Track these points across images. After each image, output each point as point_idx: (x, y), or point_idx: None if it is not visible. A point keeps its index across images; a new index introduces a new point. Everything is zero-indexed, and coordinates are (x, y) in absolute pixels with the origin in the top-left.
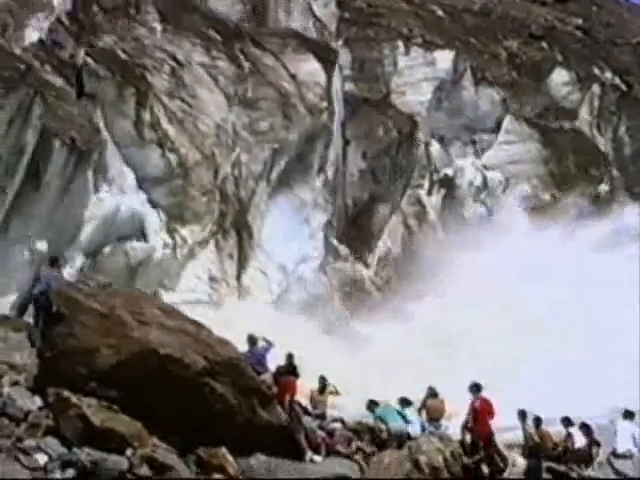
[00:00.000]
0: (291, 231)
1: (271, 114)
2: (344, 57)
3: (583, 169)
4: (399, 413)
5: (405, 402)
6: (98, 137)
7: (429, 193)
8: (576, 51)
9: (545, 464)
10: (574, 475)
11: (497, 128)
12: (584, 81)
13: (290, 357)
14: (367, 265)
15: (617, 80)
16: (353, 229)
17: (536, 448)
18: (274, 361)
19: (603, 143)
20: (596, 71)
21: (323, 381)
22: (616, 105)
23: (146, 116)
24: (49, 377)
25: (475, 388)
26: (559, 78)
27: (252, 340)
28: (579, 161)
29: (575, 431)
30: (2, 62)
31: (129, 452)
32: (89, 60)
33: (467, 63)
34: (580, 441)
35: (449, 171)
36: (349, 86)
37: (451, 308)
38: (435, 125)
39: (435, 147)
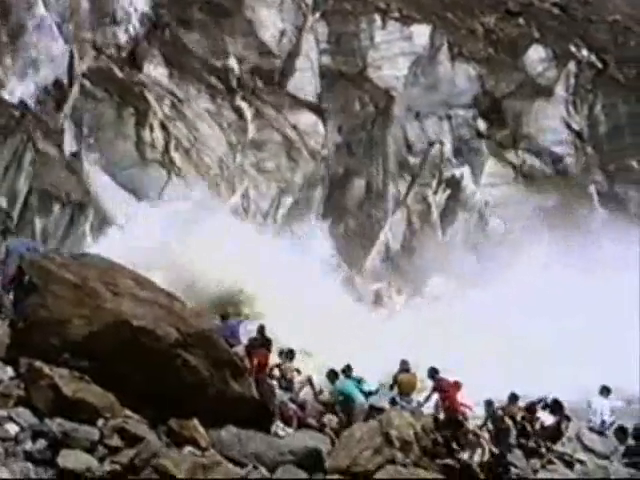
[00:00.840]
0: None
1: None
2: (321, 30)
3: None
4: (357, 386)
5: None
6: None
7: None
8: (553, 28)
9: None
10: (542, 450)
11: (473, 104)
12: (560, 58)
13: (262, 329)
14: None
15: (593, 58)
16: (327, 204)
17: (503, 433)
18: (246, 335)
19: (578, 121)
20: (572, 48)
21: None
22: (592, 83)
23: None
24: (21, 347)
25: (434, 372)
26: (535, 55)
27: (223, 316)
28: None
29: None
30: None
31: (100, 423)
32: (85, 82)
33: (444, 38)
34: (548, 419)
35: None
36: (325, 59)
37: None
38: (411, 100)
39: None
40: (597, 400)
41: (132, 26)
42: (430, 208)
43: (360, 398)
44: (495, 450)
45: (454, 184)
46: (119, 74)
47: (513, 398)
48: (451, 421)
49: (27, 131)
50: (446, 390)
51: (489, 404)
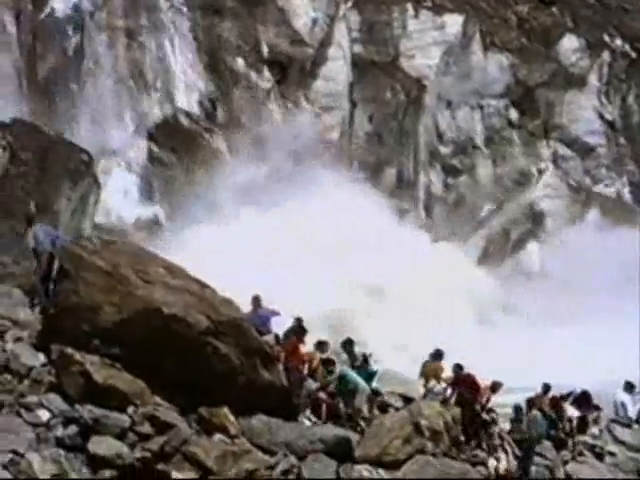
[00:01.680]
0: None
1: None
2: (353, 19)
3: None
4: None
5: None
6: None
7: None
8: (586, 17)
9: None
10: (570, 442)
11: (505, 94)
12: (594, 48)
13: (299, 321)
14: None
15: (627, 47)
16: None
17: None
18: (280, 328)
19: (610, 111)
20: (606, 38)
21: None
22: (625, 73)
23: None
24: (52, 334)
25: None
26: (569, 44)
27: (256, 301)
28: None
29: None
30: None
31: (131, 410)
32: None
33: (476, 27)
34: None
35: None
36: (357, 48)
37: None
38: (443, 89)
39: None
40: (621, 395)
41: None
42: None
43: (362, 384)
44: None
45: None
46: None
47: (546, 389)
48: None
49: (94, 175)
50: (464, 386)
51: (517, 409)
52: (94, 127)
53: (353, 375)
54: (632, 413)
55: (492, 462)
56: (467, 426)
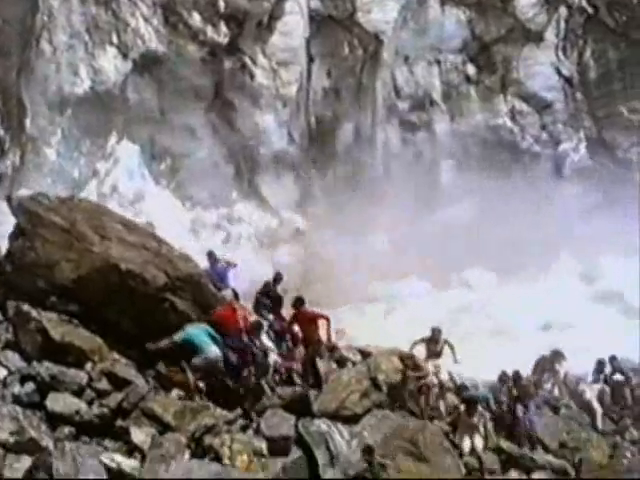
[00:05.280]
0: None
1: None
2: None
3: None
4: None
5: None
6: None
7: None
8: None
9: None
10: None
11: (462, 49)
12: (551, 3)
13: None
14: None
15: (584, 3)
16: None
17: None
18: (236, 280)
19: (567, 67)
20: None
21: None
22: (582, 28)
23: None
24: (9, 291)
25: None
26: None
27: (212, 256)
28: None
29: None
30: None
31: (88, 366)
32: None
33: None
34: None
35: None
36: (314, 3)
37: None
38: (400, 45)
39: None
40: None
41: None
42: None
43: (209, 348)
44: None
45: None
46: None
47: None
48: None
49: None
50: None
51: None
52: (48, 82)
53: (200, 338)
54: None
55: (466, 442)
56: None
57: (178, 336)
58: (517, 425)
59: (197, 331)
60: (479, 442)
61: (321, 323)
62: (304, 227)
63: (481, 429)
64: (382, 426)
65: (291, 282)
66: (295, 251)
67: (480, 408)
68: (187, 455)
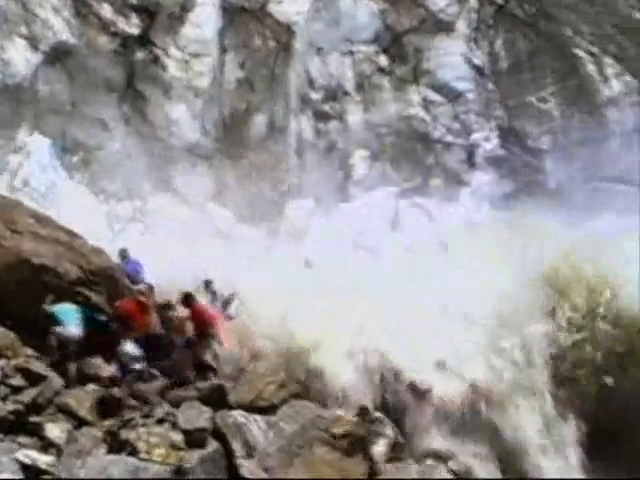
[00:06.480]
0: None
1: None
2: None
3: None
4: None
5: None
6: None
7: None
8: None
9: None
10: None
11: (375, 40)
12: None
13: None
14: None
15: None
16: (228, 140)
17: None
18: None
19: (479, 57)
20: None
21: None
22: (493, 19)
23: None
24: None
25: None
26: None
27: (123, 254)
28: None
29: None
30: None
31: (2, 362)
32: None
33: None
34: None
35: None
36: None
37: None
38: (313, 36)
39: (313, 58)
40: None
41: None
42: None
43: (68, 327)
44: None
45: None
46: None
47: None
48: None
49: None
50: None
51: None
52: None
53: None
54: None
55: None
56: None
57: (49, 308)
58: None
59: (65, 309)
60: None
61: (214, 319)
62: (220, 218)
63: None
64: (298, 416)
65: (210, 273)
66: (213, 243)
67: None
68: (103, 450)
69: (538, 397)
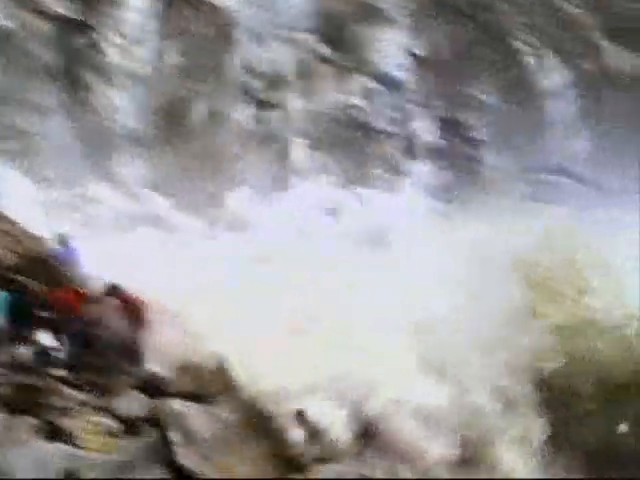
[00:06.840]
0: None
1: None
2: None
3: None
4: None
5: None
6: None
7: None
8: None
9: None
10: None
11: (316, 29)
12: None
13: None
14: None
15: None
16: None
17: None
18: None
19: (419, 46)
20: None
21: None
22: (433, 9)
23: None
24: None
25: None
26: None
27: (62, 241)
28: None
29: None
30: None
31: None
32: None
33: None
34: None
35: None
36: None
37: None
38: (252, 23)
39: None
40: None
41: None
42: None
43: None
44: None
45: None
46: None
47: None
48: None
49: None
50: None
51: None
52: None
53: None
54: None
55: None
56: None
57: None
58: None
59: None
60: None
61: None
62: (161, 207)
63: None
64: (238, 405)
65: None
66: (153, 232)
67: None
68: (40, 438)
69: None
